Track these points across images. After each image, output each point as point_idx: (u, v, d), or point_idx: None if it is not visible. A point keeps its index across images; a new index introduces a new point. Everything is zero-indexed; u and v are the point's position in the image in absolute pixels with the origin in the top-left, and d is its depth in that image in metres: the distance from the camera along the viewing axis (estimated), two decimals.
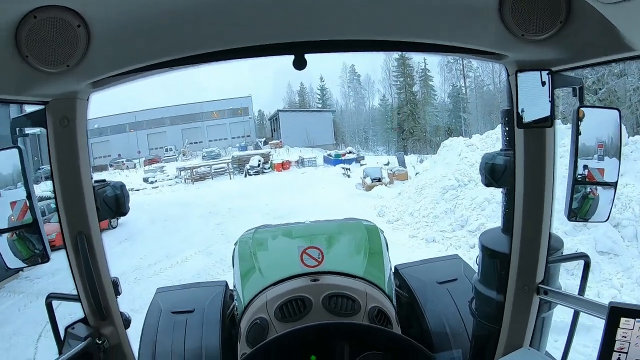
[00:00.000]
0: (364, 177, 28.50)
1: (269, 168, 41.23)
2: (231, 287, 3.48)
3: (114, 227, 22.01)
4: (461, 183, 18.00)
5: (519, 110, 1.86)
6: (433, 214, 17.28)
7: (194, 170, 41.77)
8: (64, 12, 1.50)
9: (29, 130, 1.95)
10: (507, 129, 2.22)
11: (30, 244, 1.90)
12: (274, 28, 1.69)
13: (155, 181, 41.32)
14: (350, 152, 44.79)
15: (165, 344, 3.07)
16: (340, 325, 2.09)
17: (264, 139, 63.43)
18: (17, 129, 1.89)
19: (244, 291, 2.86)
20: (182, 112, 64.98)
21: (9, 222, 1.84)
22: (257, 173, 39.90)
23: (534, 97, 1.85)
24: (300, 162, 42.80)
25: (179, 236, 19.20)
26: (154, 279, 14.18)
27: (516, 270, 2.13)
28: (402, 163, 33.84)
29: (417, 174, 25.30)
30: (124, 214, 2.18)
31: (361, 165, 38.45)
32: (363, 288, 2.55)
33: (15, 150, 1.79)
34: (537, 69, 1.82)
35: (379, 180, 27.78)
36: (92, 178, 1.96)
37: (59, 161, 1.86)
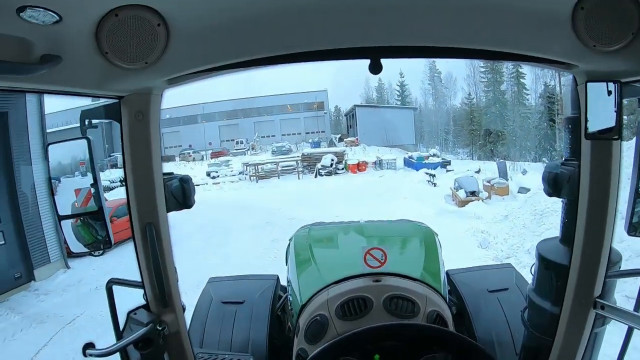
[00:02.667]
0: (456, 189, 23.65)
1: (342, 169, 37.11)
2: (283, 281, 3.62)
3: None
4: None
5: (587, 121, 1.83)
6: None
7: (258, 166, 38.73)
8: (145, 10, 1.53)
9: (96, 122, 1.99)
10: (571, 137, 2.28)
11: (94, 230, 2.01)
12: (351, 32, 1.68)
13: (218, 176, 38.74)
14: (434, 155, 39.54)
15: (214, 332, 3.26)
16: (407, 327, 2.13)
17: (339, 135, 60.12)
18: (86, 120, 1.97)
19: (302, 287, 2.90)
20: (256, 104, 63.52)
21: (74, 208, 1.98)
22: (329, 174, 35.97)
23: (601, 108, 1.81)
24: (378, 164, 38.33)
25: (222, 254, 16.14)
26: None
27: (574, 283, 2.10)
28: (503, 174, 26.87)
29: (525, 190, 20.58)
30: (190, 206, 2.20)
31: (447, 171, 33.50)
32: (423, 291, 2.53)
33: (84, 141, 1.93)
34: (607, 80, 1.78)
35: (474, 194, 22.82)
36: (162, 172, 2.02)
37: (132, 154, 1.95)
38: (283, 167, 38.34)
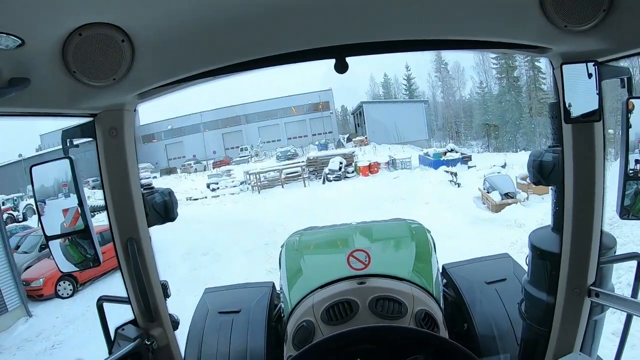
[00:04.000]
0: (487, 190, 20.15)
1: (352, 172, 33.54)
2: (278, 288, 3.57)
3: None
4: None
5: (566, 105, 1.83)
6: None
7: (260, 175, 35.37)
8: (107, 28, 1.55)
9: (77, 141, 2.04)
10: (554, 123, 2.22)
11: (82, 249, 2.00)
12: (315, 33, 1.71)
13: (218, 188, 35.65)
14: (452, 151, 35.77)
15: (211, 343, 3.22)
16: (385, 329, 2.07)
17: (348, 135, 57.75)
18: (67, 140, 2.01)
19: (291, 293, 2.91)
20: (258, 109, 61.95)
21: (62, 228, 1.97)
22: (337, 178, 32.48)
23: (580, 90, 1.82)
24: (391, 164, 34.60)
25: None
26: None
27: (567, 271, 2.13)
28: None
29: None
30: (173, 219, 2.23)
31: (469, 167, 29.98)
32: (410, 291, 2.54)
33: (67, 161, 1.94)
34: (583, 61, 1.79)
35: (511, 195, 19.20)
36: (141, 185, 2.07)
37: (109, 170, 2.00)
38: (287, 174, 35.05)
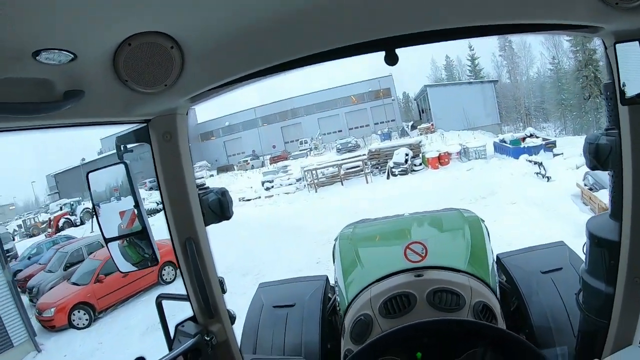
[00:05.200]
0: (592, 189, 15.78)
1: (420, 164, 30.21)
2: (332, 281, 3.65)
3: (169, 282, 17.64)
4: None
5: (622, 85, 1.73)
6: None
7: (317, 171, 32.80)
8: (156, 36, 1.56)
9: (131, 146, 2.14)
10: (610, 105, 2.07)
11: (140, 249, 2.05)
12: (363, 26, 1.65)
13: (272, 187, 33.60)
14: (531, 136, 31.40)
15: (266, 337, 3.34)
16: (446, 323, 2.07)
17: (412, 122, 54.67)
18: (122, 145, 2.13)
19: (347, 287, 2.93)
20: (317, 100, 60.46)
21: (120, 230, 2.02)
22: (404, 172, 29.41)
23: (636, 69, 1.72)
24: (464, 153, 30.81)
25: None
26: None
27: (626, 260, 2.03)
28: None
29: None
30: (228, 218, 2.26)
31: (554, 155, 25.33)
32: (467, 282, 2.50)
33: (122, 165, 1.98)
34: (638, 39, 1.68)
35: None
36: (196, 187, 2.13)
37: (165, 173, 2.05)
38: (347, 169, 32.22)
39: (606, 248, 2.20)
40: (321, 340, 3.18)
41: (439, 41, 1.77)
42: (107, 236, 2.03)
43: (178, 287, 14.43)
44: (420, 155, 31.04)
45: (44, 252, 25.17)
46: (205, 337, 2.14)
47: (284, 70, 1.81)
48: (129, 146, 2.15)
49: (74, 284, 17.11)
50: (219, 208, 2.22)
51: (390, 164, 30.33)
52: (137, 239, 2.03)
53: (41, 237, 40.33)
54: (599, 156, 2.06)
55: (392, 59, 1.75)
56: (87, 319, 15.80)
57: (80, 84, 1.59)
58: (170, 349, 2.17)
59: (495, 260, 3.20)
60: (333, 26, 1.66)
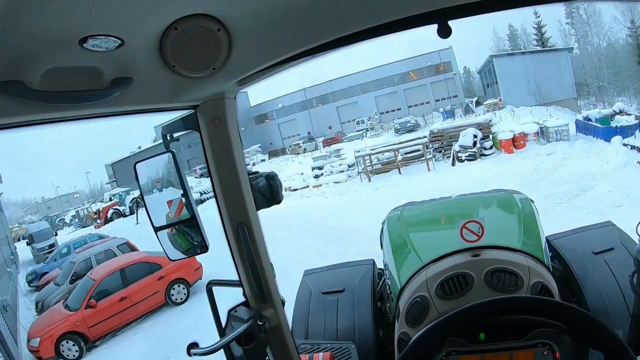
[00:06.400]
0: None
1: (491, 147, 26.18)
2: (379, 265, 3.71)
3: (179, 303, 15.34)
4: None
5: None
6: None
7: (372, 156, 29.59)
8: (202, 19, 1.55)
9: (177, 134, 2.16)
10: None
11: (189, 236, 2.09)
12: None
13: (322, 174, 30.88)
14: (621, 112, 26.19)
15: (318, 323, 3.40)
16: (511, 301, 2.00)
17: (476, 98, 51.32)
18: (168, 135, 2.15)
19: (400, 269, 2.92)
20: (373, 76, 58.64)
21: (168, 219, 2.06)
22: (472, 157, 25.68)
23: None
24: (541, 134, 26.31)
25: None
26: None
27: None
28: None
29: None
30: (279, 202, 2.26)
31: None
32: (525, 262, 2.45)
33: (169, 155, 2.03)
34: None
35: None
36: (247, 171, 2.12)
37: (215, 158, 2.03)
38: (405, 153, 28.84)
39: None
40: (374, 324, 3.22)
41: (494, 10, 1.62)
42: (156, 225, 2.05)
43: (191, 310, 12.33)
44: (491, 136, 27.01)
45: (72, 254, 23.57)
46: (258, 322, 2.07)
47: (332, 49, 1.72)
48: (175, 135, 2.13)
49: (67, 307, 14.86)
50: (269, 192, 2.19)
51: (456, 147, 26.61)
52: (185, 227, 2.05)
53: (91, 228, 40.94)
54: None
55: (445, 32, 1.61)
56: (77, 351, 13.78)
57: (128, 70, 1.57)
58: (223, 334, 2.14)
59: (545, 241, 3.03)
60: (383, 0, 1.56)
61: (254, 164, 48.58)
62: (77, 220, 54.57)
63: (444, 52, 55.43)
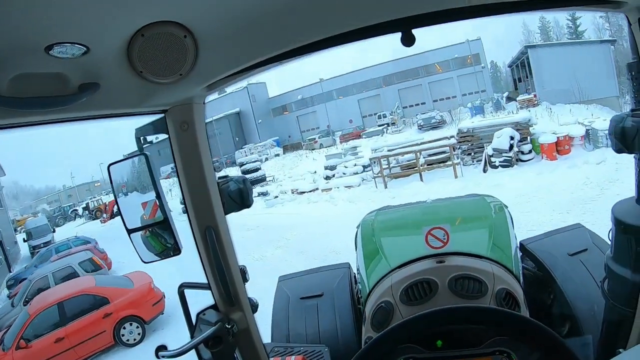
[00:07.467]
0: None
1: (530, 152, 22.61)
2: (354, 269, 3.68)
3: (131, 345, 12.60)
4: None
5: None
6: None
7: (389, 158, 26.31)
8: (168, 26, 1.56)
9: (150, 138, 2.29)
10: (636, 86, 2.12)
11: (163, 239, 2.09)
12: (378, 6, 1.64)
13: (333, 176, 28.10)
14: None
15: (299, 328, 3.38)
16: (466, 310, 2.03)
17: (507, 93, 48.54)
18: (141, 137, 2.32)
19: (368, 274, 2.94)
20: (396, 69, 56.66)
21: (142, 220, 2.08)
22: (507, 163, 22.25)
23: None
24: (589, 138, 22.41)
25: None
26: None
27: None
28: None
29: None
30: (249, 206, 2.26)
31: None
32: (490, 269, 2.51)
33: (142, 157, 2.04)
34: None
35: None
36: (215, 175, 2.15)
37: (184, 162, 2.05)
38: (428, 155, 25.50)
39: (633, 234, 2.22)
40: (356, 327, 3.21)
41: (457, 20, 1.69)
42: (129, 227, 2.06)
43: (147, 349, 9.82)
44: (529, 139, 23.32)
45: (48, 260, 21.27)
46: (227, 325, 2.10)
47: (296, 56, 1.78)
48: (148, 138, 2.01)
49: (2, 343, 12.40)
50: (239, 197, 2.19)
51: (489, 150, 23.09)
52: (159, 229, 2.06)
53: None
54: (624, 138, 2.02)
55: (408, 40, 1.68)
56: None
57: (95, 76, 1.60)
58: (192, 336, 2.14)
59: (518, 247, 3.15)
60: (348, 8, 1.61)
61: (266, 159, 46.48)
62: (87, 212, 53.61)
63: (473, 44, 52.96)
